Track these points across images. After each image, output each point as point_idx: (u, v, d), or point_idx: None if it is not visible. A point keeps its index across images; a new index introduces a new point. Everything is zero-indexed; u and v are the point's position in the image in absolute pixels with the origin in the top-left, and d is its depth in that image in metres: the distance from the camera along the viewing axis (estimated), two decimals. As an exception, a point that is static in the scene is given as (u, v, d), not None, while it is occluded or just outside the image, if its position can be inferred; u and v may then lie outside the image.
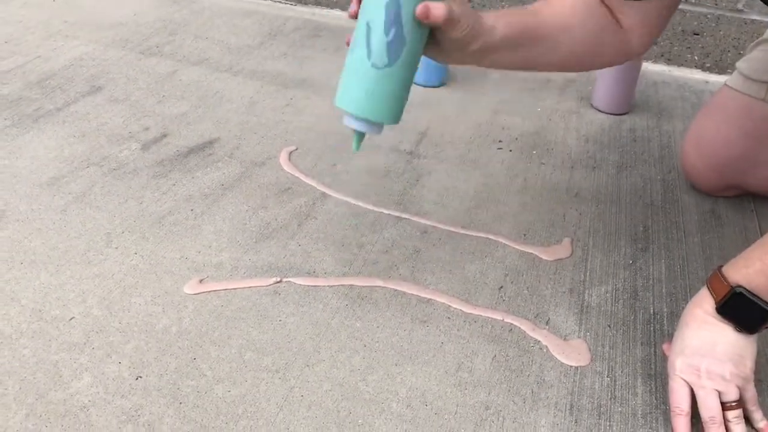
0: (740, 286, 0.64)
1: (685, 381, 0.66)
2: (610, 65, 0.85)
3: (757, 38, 1.03)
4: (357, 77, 0.65)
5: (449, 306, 0.80)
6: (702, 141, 1.01)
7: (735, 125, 0.98)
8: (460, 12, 0.63)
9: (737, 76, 1.00)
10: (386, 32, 0.62)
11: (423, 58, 0.68)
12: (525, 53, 0.73)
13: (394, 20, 0.62)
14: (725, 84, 1.02)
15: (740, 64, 1.00)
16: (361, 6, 0.64)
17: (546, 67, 0.80)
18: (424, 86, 1.32)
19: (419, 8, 0.61)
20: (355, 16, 0.65)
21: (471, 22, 0.65)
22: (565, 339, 0.77)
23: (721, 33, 1.45)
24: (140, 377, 0.68)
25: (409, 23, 0.62)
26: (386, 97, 0.66)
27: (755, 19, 1.42)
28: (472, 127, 1.19)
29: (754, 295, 0.64)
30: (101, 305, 0.76)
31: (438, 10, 0.61)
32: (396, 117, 0.69)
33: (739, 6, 1.42)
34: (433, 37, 0.66)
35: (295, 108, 1.21)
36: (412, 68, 0.66)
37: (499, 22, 0.69)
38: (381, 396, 0.68)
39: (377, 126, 0.69)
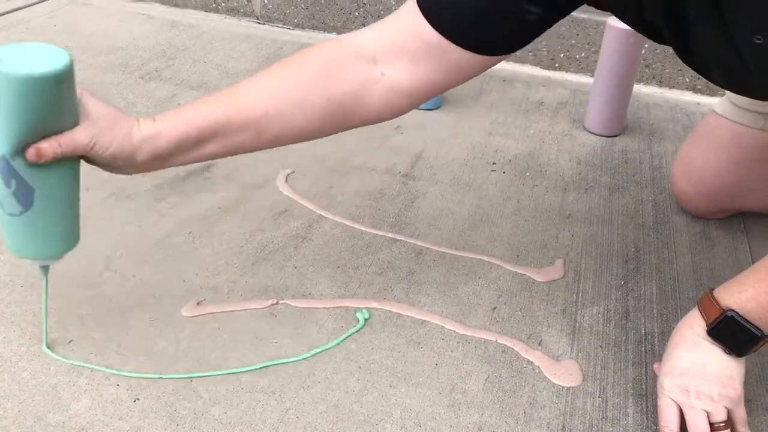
0: (732, 310, 0.65)
1: (674, 401, 0.66)
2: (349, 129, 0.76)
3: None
4: (6, 227, 0.65)
5: (443, 327, 0.81)
6: (691, 168, 1.02)
7: (724, 153, 0.98)
8: (93, 135, 0.62)
9: (727, 104, 0.99)
10: (7, 185, 0.61)
11: None
12: (218, 146, 0.69)
13: (8, 173, 0.61)
14: (713, 111, 1.02)
15: (730, 94, 1.00)
16: None
17: (268, 145, 0.71)
18: (419, 109, 1.33)
19: (29, 153, 0.59)
20: None
21: (113, 140, 0.63)
22: (557, 360, 0.78)
23: (712, 56, 1.48)
24: (138, 399, 0.69)
25: (27, 169, 0.61)
26: (40, 236, 0.65)
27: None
28: (466, 149, 1.21)
29: (746, 320, 0.65)
30: (100, 328, 0.77)
31: (51, 147, 0.59)
32: (63, 246, 0.68)
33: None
34: (91, 160, 0.65)
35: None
36: (57, 201, 0.65)
37: (168, 124, 0.66)
38: (375, 417, 0.69)
39: (54, 257, 0.68)
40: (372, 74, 0.70)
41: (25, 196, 0.62)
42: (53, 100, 0.60)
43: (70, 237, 0.68)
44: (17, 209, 0.62)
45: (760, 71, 0.64)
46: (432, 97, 0.75)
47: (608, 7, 0.75)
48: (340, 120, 0.72)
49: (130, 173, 0.69)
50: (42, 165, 0.60)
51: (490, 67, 0.72)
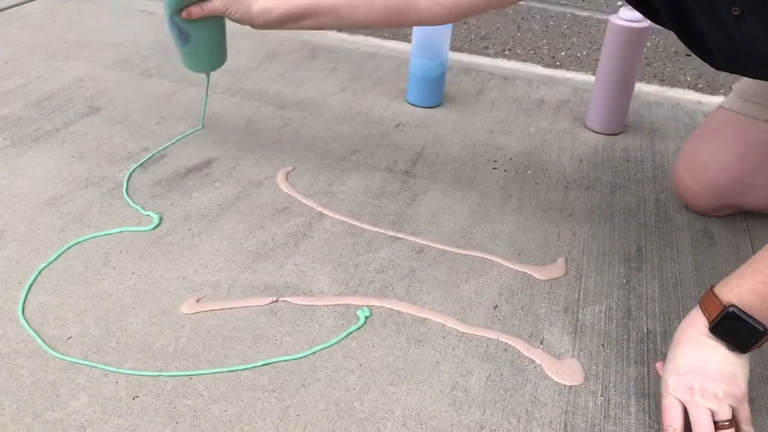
0: (733, 306, 0.65)
1: (678, 400, 0.66)
2: (411, 26, 1.06)
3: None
4: (180, 54, 1.03)
5: (444, 325, 0.81)
6: (696, 164, 1.02)
7: (730, 149, 0.98)
8: (226, 3, 0.92)
9: (735, 98, 1.00)
10: (171, 31, 0.99)
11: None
12: (312, 23, 0.95)
13: (170, 24, 0.97)
14: (720, 106, 1.03)
15: (738, 86, 1.00)
16: None
17: (346, 27, 1.06)
18: (420, 107, 1.33)
19: (183, 14, 0.94)
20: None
21: (238, 9, 0.93)
22: (559, 358, 0.77)
23: (713, 54, 1.47)
24: (137, 397, 0.69)
25: (184, 23, 0.96)
26: (198, 58, 1.03)
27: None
28: (468, 147, 1.21)
29: (747, 314, 0.64)
30: (99, 325, 0.77)
31: (197, 11, 0.93)
32: (212, 65, 1.06)
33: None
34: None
35: (292, 128, 1.22)
36: (206, 40, 1.01)
37: (275, 3, 0.93)
38: (376, 415, 0.69)
39: (208, 70, 1.07)
40: None
41: (183, 38, 0.99)
42: None
43: (216, 61, 1.05)
44: (180, 44, 1.00)
45: (744, 44, 0.65)
46: (470, 16, 1.01)
47: None
48: (395, 19, 0.94)
49: (259, 28, 0.97)
50: (191, 22, 0.95)
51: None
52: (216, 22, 0.99)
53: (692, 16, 0.75)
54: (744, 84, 1.00)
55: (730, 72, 0.86)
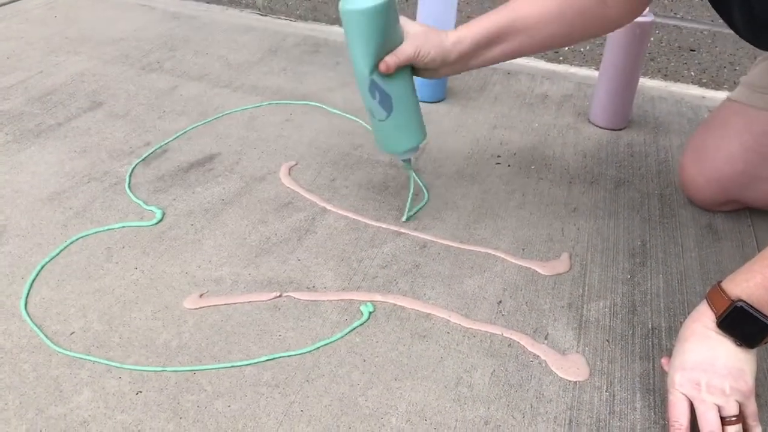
0: (741, 300, 0.64)
1: (684, 395, 0.66)
2: (596, 36, 0.98)
3: (754, 54, 1.03)
4: (378, 132, 0.89)
5: (448, 320, 0.80)
6: (703, 156, 1.02)
7: (736, 140, 0.98)
8: (416, 46, 0.83)
9: (742, 89, 1.00)
10: (373, 97, 0.85)
11: (421, 80, 0.87)
12: (505, 47, 0.88)
13: (372, 87, 0.84)
14: (728, 98, 1.03)
15: (745, 78, 1.01)
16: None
17: (532, 51, 0.92)
18: (424, 102, 1.33)
19: (381, 66, 0.82)
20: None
21: (431, 48, 0.84)
22: (563, 354, 0.77)
23: (717, 49, 1.47)
24: (140, 392, 0.68)
25: (382, 81, 0.84)
26: (404, 131, 0.88)
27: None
28: (471, 142, 1.20)
29: (755, 309, 0.64)
30: (102, 320, 0.77)
31: (392, 59, 0.82)
32: (418, 138, 0.90)
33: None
34: (416, 70, 0.87)
35: (294, 123, 1.22)
36: (407, 104, 0.87)
37: (467, 31, 0.86)
38: (380, 411, 0.68)
39: (414, 149, 0.91)
40: None
41: (387, 104, 0.85)
42: (389, 23, 0.81)
43: (422, 129, 0.91)
44: (383, 115, 0.86)
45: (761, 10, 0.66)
46: (647, 5, 0.95)
47: None
48: (587, 29, 0.91)
49: (444, 75, 0.91)
50: (389, 75, 0.83)
51: None
52: (410, 77, 0.87)
53: None
54: (753, 75, 0.99)
55: (750, 40, 0.90)
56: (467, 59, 0.88)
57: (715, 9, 0.89)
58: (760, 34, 0.85)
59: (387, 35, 0.82)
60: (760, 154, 0.97)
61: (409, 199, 0.96)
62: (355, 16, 0.79)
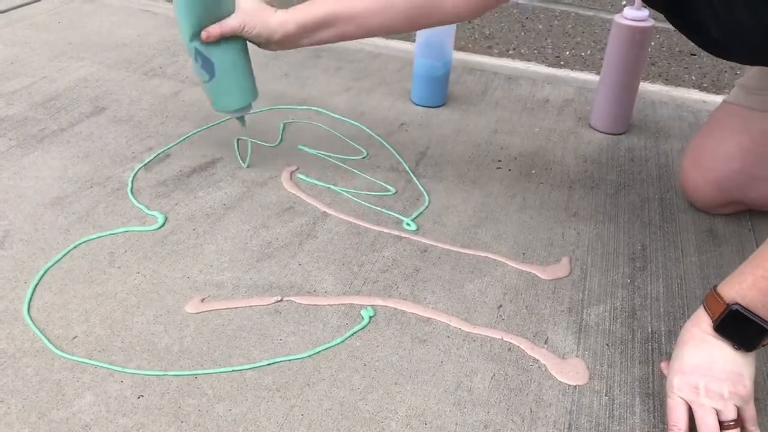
0: (736, 304, 0.65)
1: (683, 399, 0.66)
2: (438, 26, 1.00)
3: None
4: (208, 92, 0.99)
5: (449, 325, 0.80)
6: (702, 156, 1.02)
7: (734, 140, 0.99)
8: (243, 20, 0.91)
9: (738, 91, 1.01)
10: (196, 60, 0.95)
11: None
12: (332, 32, 0.93)
13: (193, 53, 0.94)
14: (724, 101, 1.04)
15: (740, 81, 1.01)
16: None
17: (365, 36, 0.96)
18: (424, 107, 1.33)
19: (202, 35, 0.91)
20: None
21: (256, 23, 0.91)
22: (563, 358, 0.77)
23: (718, 53, 1.47)
24: (142, 396, 0.69)
25: (206, 48, 0.93)
26: (227, 94, 0.98)
27: (751, 40, 1.44)
28: (472, 146, 1.20)
29: (750, 312, 0.64)
30: (104, 324, 0.77)
31: (215, 29, 0.91)
32: (243, 101, 1.00)
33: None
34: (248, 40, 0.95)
35: (296, 128, 1.22)
36: (231, 70, 0.96)
37: (294, 15, 0.91)
38: (380, 415, 0.69)
39: (242, 109, 1.01)
40: None
41: (208, 67, 0.94)
42: None
43: (249, 92, 1.00)
44: (207, 77, 0.96)
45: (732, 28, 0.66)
46: (491, 8, 0.96)
47: None
48: (419, 20, 0.95)
49: (274, 50, 0.97)
50: (213, 43, 0.92)
51: None
52: (238, 46, 0.95)
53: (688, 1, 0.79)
54: (748, 77, 1.00)
55: (720, 56, 0.92)
56: (296, 39, 0.94)
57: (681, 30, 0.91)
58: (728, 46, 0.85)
59: (210, 7, 0.91)
60: (757, 155, 0.97)
61: (249, 150, 1.09)
62: None
